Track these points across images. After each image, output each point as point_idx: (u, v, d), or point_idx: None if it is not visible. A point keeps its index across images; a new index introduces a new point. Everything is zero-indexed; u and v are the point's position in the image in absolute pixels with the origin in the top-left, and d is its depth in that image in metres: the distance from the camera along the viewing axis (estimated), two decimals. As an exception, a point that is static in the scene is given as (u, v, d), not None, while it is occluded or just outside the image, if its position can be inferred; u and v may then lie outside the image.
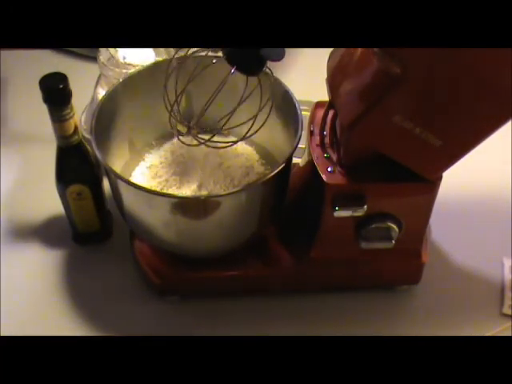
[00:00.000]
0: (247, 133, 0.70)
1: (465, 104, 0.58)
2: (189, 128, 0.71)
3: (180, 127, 0.73)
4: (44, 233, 0.86)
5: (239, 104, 0.67)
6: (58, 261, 0.84)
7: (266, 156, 0.81)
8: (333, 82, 0.65)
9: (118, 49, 0.83)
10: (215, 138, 0.71)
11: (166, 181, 0.77)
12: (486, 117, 0.60)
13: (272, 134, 0.77)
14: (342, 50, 0.64)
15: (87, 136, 0.86)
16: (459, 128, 0.61)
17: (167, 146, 0.81)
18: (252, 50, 0.63)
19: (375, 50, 0.57)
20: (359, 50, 0.60)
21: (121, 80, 0.76)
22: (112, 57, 0.84)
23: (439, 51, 0.54)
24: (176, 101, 0.70)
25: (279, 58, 0.63)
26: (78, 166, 0.77)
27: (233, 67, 0.65)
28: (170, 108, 0.70)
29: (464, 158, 0.65)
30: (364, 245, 0.72)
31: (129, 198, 0.71)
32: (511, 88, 0.56)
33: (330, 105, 0.71)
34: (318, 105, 0.75)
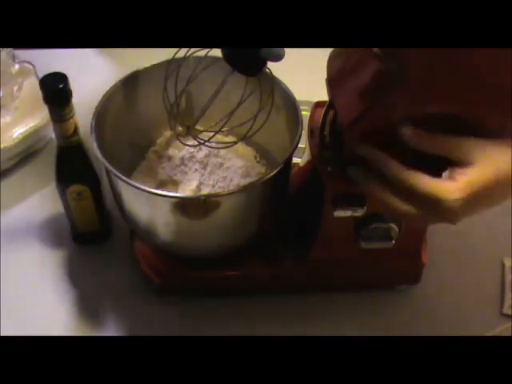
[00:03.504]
0: (247, 133, 0.70)
1: (465, 104, 0.58)
2: (188, 129, 0.71)
3: (180, 128, 0.73)
4: (44, 233, 0.86)
5: (239, 105, 0.67)
6: (58, 261, 0.84)
7: (266, 156, 0.81)
8: (333, 82, 0.65)
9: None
10: (215, 139, 0.71)
11: (166, 181, 0.77)
12: (486, 117, 0.59)
13: (272, 134, 0.77)
14: (342, 50, 0.64)
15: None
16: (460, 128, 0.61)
17: (167, 146, 0.81)
18: (251, 50, 0.63)
19: (375, 50, 0.57)
20: (359, 49, 0.60)
21: (121, 79, 0.76)
22: None
23: (439, 51, 0.54)
24: (176, 101, 0.70)
25: (279, 58, 0.63)
26: (78, 166, 0.77)
27: (232, 68, 0.65)
28: (169, 108, 0.70)
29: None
30: (364, 245, 0.72)
31: (129, 197, 0.71)
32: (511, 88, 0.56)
33: (330, 105, 0.71)
34: (318, 105, 0.75)
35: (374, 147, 0.61)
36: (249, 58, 0.64)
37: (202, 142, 0.70)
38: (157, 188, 0.76)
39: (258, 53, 0.63)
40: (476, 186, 0.56)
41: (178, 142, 0.78)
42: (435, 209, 0.58)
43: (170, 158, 0.79)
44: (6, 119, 0.92)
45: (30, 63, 0.94)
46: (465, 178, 0.56)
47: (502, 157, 0.57)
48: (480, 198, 0.57)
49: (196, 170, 0.77)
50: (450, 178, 0.57)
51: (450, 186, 0.57)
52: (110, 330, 0.77)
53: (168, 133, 0.81)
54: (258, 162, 0.81)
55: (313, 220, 0.73)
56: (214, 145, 0.73)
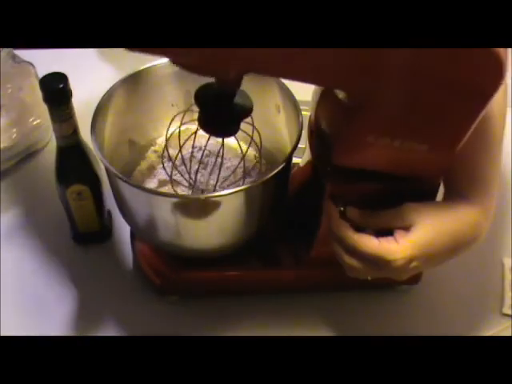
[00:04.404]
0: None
1: (433, 107, 0.59)
2: (190, 185, 0.74)
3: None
4: (44, 233, 0.86)
5: (221, 165, 0.72)
6: (58, 261, 0.84)
7: (266, 156, 0.81)
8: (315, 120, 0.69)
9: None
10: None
11: (166, 181, 0.77)
12: (457, 113, 0.60)
13: (272, 133, 0.77)
14: (319, 95, 0.67)
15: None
16: (438, 128, 0.61)
17: (167, 145, 0.81)
18: (222, 112, 0.65)
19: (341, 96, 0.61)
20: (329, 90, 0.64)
21: (121, 79, 0.76)
22: None
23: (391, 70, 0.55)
24: (173, 164, 0.74)
25: (248, 114, 0.66)
26: (78, 166, 0.77)
27: (210, 134, 0.68)
28: (169, 172, 0.75)
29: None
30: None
31: (129, 197, 0.71)
32: (472, 83, 0.56)
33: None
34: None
35: (331, 208, 0.67)
36: (222, 121, 0.66)
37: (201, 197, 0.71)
38: (157, 188, 0.76)
39: (231, 113, 0.65)
40: (416, 245, 0.63)
41: (177, 141, 0.78)
42: (380, 267, 0.64)
43: (170, 158, 0.79)
44: (6, 119, 0.92)
45: (30, 63, 0.94)
46: (405, 239, 0.63)
47: (436, 217, 0.64)
48: (423, 256, 0.63)
49: (196, 170, 0.77)
50: (394, 239, 0.63)
51: (392, 247, 0.63)
52: (110, 329, 0.77)
53: (168, 133, 0.81)
54: (257, 161, 0.81)
55: (313, 220, 0.73)
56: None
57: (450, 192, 0.67)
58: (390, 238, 0.63)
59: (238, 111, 0.65)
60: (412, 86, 0.57)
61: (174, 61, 0.60)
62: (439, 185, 0.68)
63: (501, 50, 0.54)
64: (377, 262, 0.64)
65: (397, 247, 0.63)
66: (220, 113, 0.66)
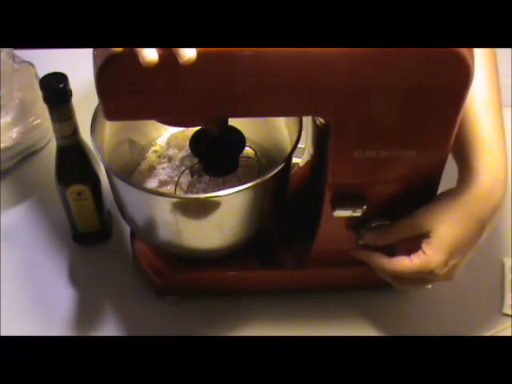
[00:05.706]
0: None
1: (411, 116, 0.59)
2: (189, 185, 0.75)
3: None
4: (44, 233, 0.86)
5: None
6: (58, 261, 0.84)
7: (265, 155, 0.81)
8: None
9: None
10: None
11: (166, 181, 0.77)
12: (436, 117, 0.60)
13: (272, 133, 0.77)
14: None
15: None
16: (420, 134, 0.62)
17: (167, 146, 0.81)
18: (218, 158, 0.69)
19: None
20: None
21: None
22: None
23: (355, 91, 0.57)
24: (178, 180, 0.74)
25: (242, 150, 0.70)
26: (78, 166, 0.77)
27: (211, 176, 0.72)
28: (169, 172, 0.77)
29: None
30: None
31: (129, 197, 0.71)
32: (442, 86, 0.57)
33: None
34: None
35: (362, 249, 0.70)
36: (222, 164, 0.71)
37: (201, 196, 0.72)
38: (157, 188, 0.76)
39: (227, 155, 0.69)
40: (442, 248, 0.64)
41: (177, 141, 0.78)
42: (428, 279, 0.68)
43: (170, 158, 0.79)
44: (6, 119, 0.92)
45: (30, 63, 0.94)
46: (430, 247, 0.65)
47: (450, 212, 0.65)
48: (455, 253, 0.65)
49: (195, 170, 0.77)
50: (423, 251, 0.65)
51: (423, 260, 0.65)
52: (110, 330, 0.77)
53: (168, 133, 0.81)
54: (257, 161, 0.80)
55: (313, 220, 0.73)
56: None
57: (460, 166, 0.67)
58: (419, 252, 0.65)
59: (232, 151, 0.69)
60: (385, 98, 0.58)
61: (160, 120, 0.64)
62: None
63: (465, 51, 0.55)
64: (419, 276, 0.67)
65: (427, 258, 0.65)
66: (216, 160, 0.70)
